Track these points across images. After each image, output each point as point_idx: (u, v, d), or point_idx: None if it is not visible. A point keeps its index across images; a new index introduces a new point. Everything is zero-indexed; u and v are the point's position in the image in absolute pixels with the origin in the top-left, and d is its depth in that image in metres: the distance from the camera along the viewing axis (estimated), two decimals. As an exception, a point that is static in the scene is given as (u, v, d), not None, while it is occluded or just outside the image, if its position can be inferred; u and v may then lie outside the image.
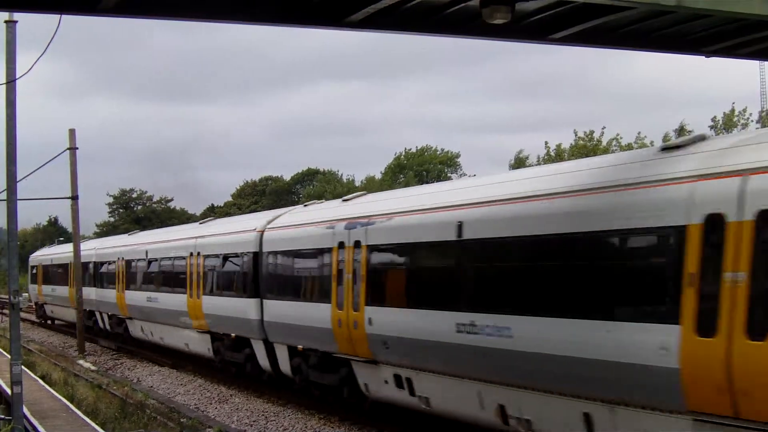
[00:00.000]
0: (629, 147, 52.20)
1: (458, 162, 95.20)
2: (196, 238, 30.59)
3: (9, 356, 20.26)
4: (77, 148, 41.81)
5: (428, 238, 17.48)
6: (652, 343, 12.17)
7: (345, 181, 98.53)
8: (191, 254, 30.17)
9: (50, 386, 26.60)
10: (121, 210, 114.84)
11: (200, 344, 30.09)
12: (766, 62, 46.14)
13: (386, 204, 20.18)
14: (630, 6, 12.50)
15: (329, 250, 20.90)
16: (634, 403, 12.81)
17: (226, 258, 27.55)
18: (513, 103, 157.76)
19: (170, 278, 32.36)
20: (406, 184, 76.86)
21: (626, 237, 13.27)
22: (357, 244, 19.75)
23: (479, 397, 16.11)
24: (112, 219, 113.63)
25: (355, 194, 24.27)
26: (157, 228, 52.90)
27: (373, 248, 19.23)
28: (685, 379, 11.76)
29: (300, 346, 22.62)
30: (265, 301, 24.50)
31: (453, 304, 16.47)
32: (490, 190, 16.58)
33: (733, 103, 59.04)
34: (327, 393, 22.07)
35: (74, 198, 41.64)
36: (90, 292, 42.83)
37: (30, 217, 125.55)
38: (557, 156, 55.10)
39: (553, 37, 14.11)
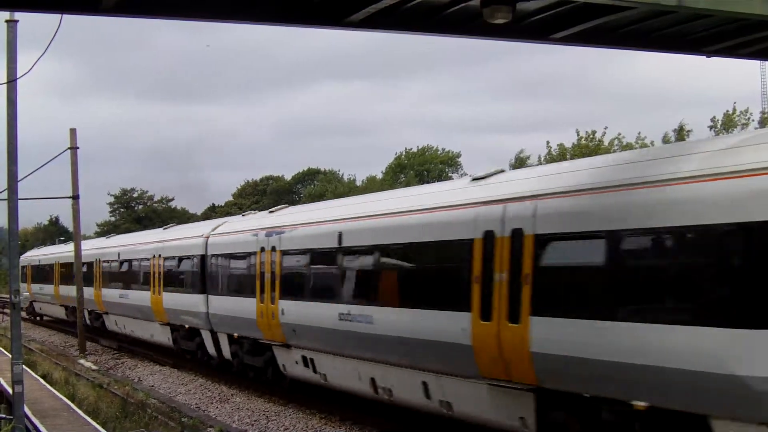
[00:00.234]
0: (630, 146, 52.19)
1: (459, 162, 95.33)
2: (159, 242, 34.95)
3: (10, 355, 20.29)
4: (78, 148, 41.88)
5: (320, 245, 21.68)
6: (457, 326, 16.02)
7: (346, 180, 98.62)
8: (154, 256, 34.51)
9: (51, 385, 26.62)
10: (122, 209, 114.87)
11: (162, 335, 34.38)
12: (766, 62, 46.13)
13: (296, 216, 24.45)
14: (630, 6, 12.50)
15: (254, 253, 25.13)
16: (452, 372, 16.69)
17: (181, 260, 31.81)
18: (514, 102, 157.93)
19: (138, 277, 36.44)
20: (407, 184, 76.90)
21: (441, 246, 17.26)
22: (273, 249, 24.00)
23: (357, 372, 20.19)
24: (113, 218, 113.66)
25: (279, 206, 29.38)
26: (157, 228, 53.88)
27: (284, 252, 23.47)
28: (476, 353, 15.65)
29: (236, 334, 26.75)
30: (209, 296, 28.57)
31: (337, 297, 20.56)
32: (359, 209, 21.07)
33: (735, 102, 59.09)
34: (257, 373, 26.07)
35: (75, 197, 41.69)
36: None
37: (31, 216, 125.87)
38: (560, 155, 55.08)
39: (554, 36, 14.12)
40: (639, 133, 56.01)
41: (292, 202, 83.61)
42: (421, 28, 13.84)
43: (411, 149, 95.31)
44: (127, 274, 37.84)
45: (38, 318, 61.77)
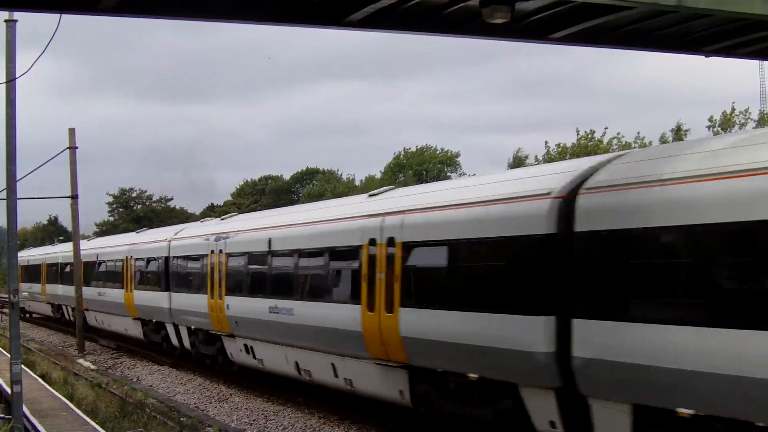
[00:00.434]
0: (629, 146, 52.22)
1: (458, 162, 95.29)
2: (131, 245, 39.02)
3: (9, 355, 20.27)
4: (77, 148, 41.85)
5: (255, 249, 25.46)
6: (351, 316, 19.63)
7: (345, 180, 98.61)
8: (127, 258, 38.27)
9: (50, 385, 26.60)
10: (120, 209, 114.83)
11: (134, 329, 38.24)
12: (765, 62, 46.18)
13: (239, 224, 28.58)
14: (630, 6, 12.51)
15: (206, 255, 28.94)
16: (350, 355, 20.22)
17: (149, 261, 35.51)
18: (515, 102, 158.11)
19: (113, 277, 40.41)
20: (405, 184, 76.93)
21: (339, 251, 20.82)
22: (221, 252, 27.80)
23: (285, 357, 23.71)
24: (111, 218, 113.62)
25: (229, 215, 34.77)
26: (155, 228, 55.35)
27: (228, 255, 27.20)
28: (365, 338, 19.14)
29: (193, 327, 30.70)
30: (172, 293, 32.34)
31: (267, 293, 24.20)
32: (284, 219, 25.28)
33: (734, 102, 59.14)
34: (211, 360, 29.95)
35: (74, 197, 41.66)
36: (57, 289, 51.38)
37: (30, 216, 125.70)
38: (560, 155, 55.11)
39: (553, 36, 14.12)
40: (638, 133, 56.14)
41: (291, 202, 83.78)
42: (421, 27, 13.84)
43: (409, 149, 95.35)
44: (105, 274, 41.40)
45: (28, 315, 63.93)
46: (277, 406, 23.79)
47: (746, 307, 11.41)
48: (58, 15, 13.04)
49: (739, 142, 13.12)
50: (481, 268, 16.22)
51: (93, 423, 20.26)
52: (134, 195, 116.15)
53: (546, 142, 67.25)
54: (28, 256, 64.37)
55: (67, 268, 47.63)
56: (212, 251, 28.38)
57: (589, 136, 55.88)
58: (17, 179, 19.28)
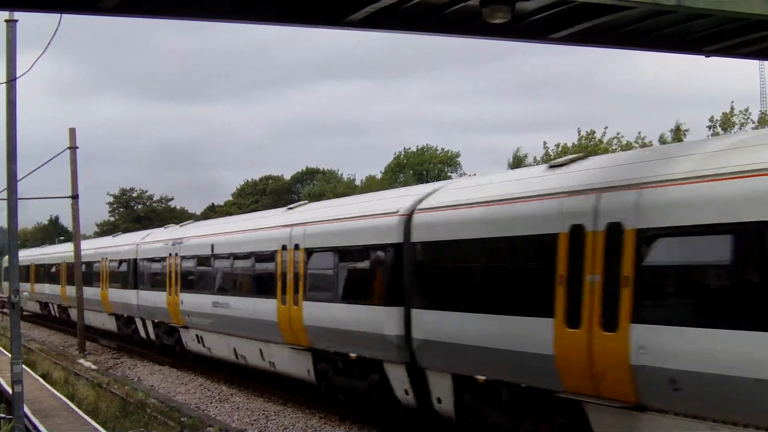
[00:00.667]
0: (630, 146, 52.23)
1: (458, 161, 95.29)
2: (107, 247, 43.84)
3: (10, 355, 20.28)
4: (77, 148, 41.89)
5: (202, 252, 29.79)
6: (270, 308, 23.52)
7: (346, 180, 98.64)
8: (103, 259, 42.85)
9: (51, 385, 26.61)
10: (121, 209, 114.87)
11: (110, 323, 42.85)
12: (766, 62, 46.17)
13: (192, 231, 33.48)
14: (630, 6, 12.50)
15: (166, 257, 33.36)
16: (271, 341, 24.20)
17: (120, 262, 39.71)
18: (516, 102, 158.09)
19: (92, 277, 44.44)
20: (405, 183, 76.91)
21: (263, 254, 24.71)
22: (177, 254, 32.21)
23: (227, 344, 28.00)
24: (112, 218, 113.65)
25: (187, 222, 40.03)
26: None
27: (182, 257, 31.65)
28: (280, 327, 23.06)
29: (156, 320, 35.04)
30: (139, 291, 36.54)
31: (211, 290, 28.54)
32: (223, 227, 30.44)
33: (732, 102, 59.10)
34: (171, 350, 34.38)
35: (74, 197, 41.68)
36: (44, 288, 56.64)
37: (31, 216, 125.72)
38: (560, 155, 55.10)
39: (553, 36, 14.12)
40: (639, 133, 56.15)
41: (292, 202, 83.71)
42: (421, 27, 13.84)
43: (410, 149, 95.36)
44: (85, 274, 44.44)
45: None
46: (278, 406, 23.81)
47: (508, 299, 15.14)
48: (59, 15, 13.03)
49: (505, 178, 17.65)
50: (355, 270, 20.47)
51: (94, 423, 20.27)
52: (135, 195, 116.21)
53: (545, 143, 67.10)
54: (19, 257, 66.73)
55: (53, 269, 53.70)
56: (170, 254, 32.86)
57: (590, 136, 55.92)
58: (18, 179, 19.29)
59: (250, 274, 25.94)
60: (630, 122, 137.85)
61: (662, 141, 53.14)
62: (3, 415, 19.77)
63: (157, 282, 34.32)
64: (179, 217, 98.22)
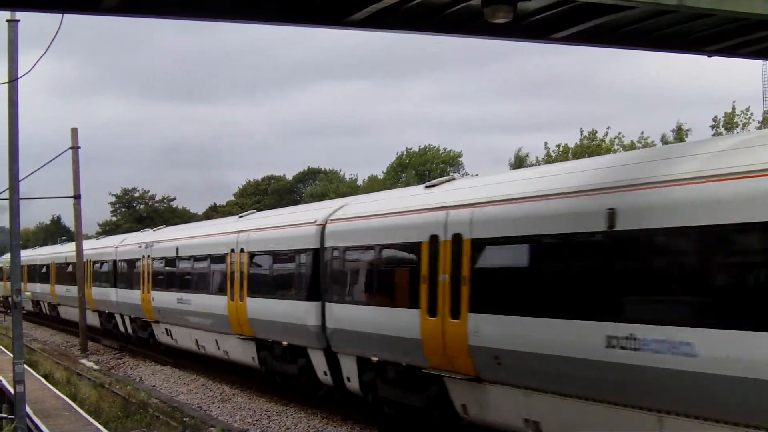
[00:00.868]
0: (632, 146, 52.17)
1: (460, 161, 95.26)
2: (90, 249, 46.00)
3: (12, 355, 20.28)
4: (79, 148, 41.94)
5: (169, 255, 33.37)
6: (222, 304, 27.21)
7: (348, 180, 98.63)
8: (88, 260, 45.20)
9: (53, 385, 26.62)
10: (123, 209, 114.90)
11: (94, 319, 45.69)
12: (767, 62, 46.04)
13: (162, 235, 37.09)
14: (631, 6, 12.48)
15: (139, 259, 37.03)
16: (223, 332, 27.69)
17: (102, 263, 43.64)
18: (519, 102, 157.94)
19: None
20: (407, 183, 76.90)
21: (216, 257, 28.22)
22: (148, 256, 35.78)
23: (190, 336, 31.55)
24: (114, 218, 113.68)
25: (159, 227, 44.41)
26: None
27: (153, 258, 35.30)
28: (229, 319, 26.52)
29: (132, 316, 39.03)
30: (117, 290, 40.23)
31: (177, 288, 31.97)
32: (185, 233, 34.12)
33: (734, 102, 58.98)
34: (145, 342, 37.87)
35: (76, 197, 41.72)
36: (35, 287, 60.66)
37: (33, 216, 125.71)
38: (560, 155, 55.06)
39: (555, 36, 14.11)
40: (642, 133, 56.07)
41: (294, 202, 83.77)
42: (422, 27, 13.83)
43: (412, 149, 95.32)
44: (71, 275, 48.27)
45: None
46: (280, 407, 23.80)
47: (390, 295, 18.84)
48: (60, 15, 13.03)
49: (392, 195, 22.26)
50: (285, 270, 23.79)
51: (96, 423, 20.28)
52: (137, 195, 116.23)
53: (546, 143, 67.05)
54: (5, 260, 69.27)
55: (43, 269, 58.24)
56: (143, 256, 36.45)
57: (592, 136, 55.85)
58: (20, 179, 19.29)
59: (207, 274, 29.28)
60: (633, 122, 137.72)
61: (664, 141, 53.06)
62: (5, 415, 19.79)
63: (132, 281, 37.92)
64: (181, 217, 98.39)
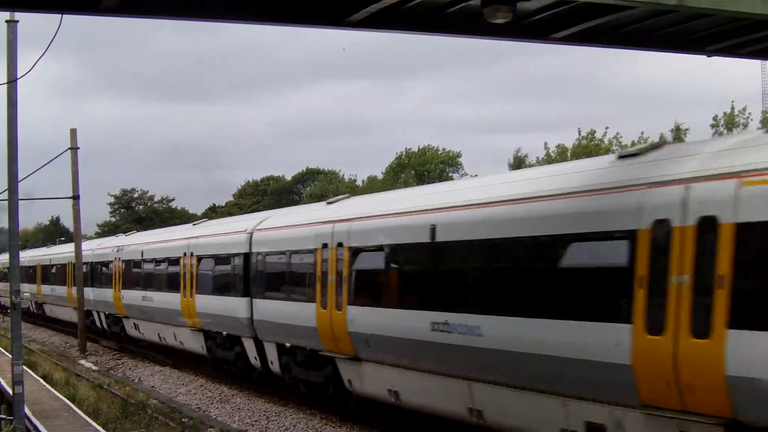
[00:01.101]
0: (633, 146, 52.07)
1: (460, 162, 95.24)
2: (71, 252, 47.51)
3: (10, 356, 20.27)
4: (78, 148, 41.95)
5: (135, 257, 37.75)
6: (176, 301, 31.46)
7: (347, 180, 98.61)
8: (68, 263, 49.24)
9: (52, 386, 26.63)
10: (122, 210, 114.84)
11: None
12: (767, 62, 46.05)
13: (130, 239, 42.59)
14: (631, 5, 12.46)
15: (112, 261, 41.28)
16: (180, 326, 31.55)
17: (86, 265, 46.34)
18: (519, 102, 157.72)
19: (61, 277, 52.32)
20: (406, 184, 76.90)
21: (172, 260, 32.39)
22: (119, 258, 40.20)
23: (153, 330, 35.77)
24: (113, 219, 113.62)
25: (131, 231, 52.41)
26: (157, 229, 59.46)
27: (123, 261, 39.66)
28: (182, 313, 30.82)
29: (106, 312, 43.47)
30: (94, 288, 44.13)
31: (141, 287, 36.15)
32: (148, 238, 38.87)
33: (733, 101, 59.01)
34: (117, 336, 42.40)
35: (75, 198, 41.70)
36: (23, 287, 61.40)
37: (32, 216, 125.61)
38: (559, 156, 55.08)
39: (555, 36, 14.09)
40: (642, 133, 56.10)
41: (293, 202, 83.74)
42: (422, 27, 13.81)
43: (411, 149, 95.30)
44: (55, 275, 54.30)
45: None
46: (278, 407, 23.79)
47: (296, 292, 22.75)
48: (60, 15, 13.01)
49: (299, 210, 27.00)
50: (223, 271, 27.77)
51: (95, 424, 20.27)
52: (136, 195, 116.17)
53: (545, 143, 67.05)
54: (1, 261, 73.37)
55: (30, 270, 62.01)
56: (115, 258, 40.79)
57: (590, 136, 55.88)
58: (19, 180, 19.27)
59: (165, 274, 33.34)
60: (633, 122, 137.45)
61: (663, 141, 52.97)
62: (4, 416, 19.76)
63: (106, 281, 42.38)
64: (180, 217, 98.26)
